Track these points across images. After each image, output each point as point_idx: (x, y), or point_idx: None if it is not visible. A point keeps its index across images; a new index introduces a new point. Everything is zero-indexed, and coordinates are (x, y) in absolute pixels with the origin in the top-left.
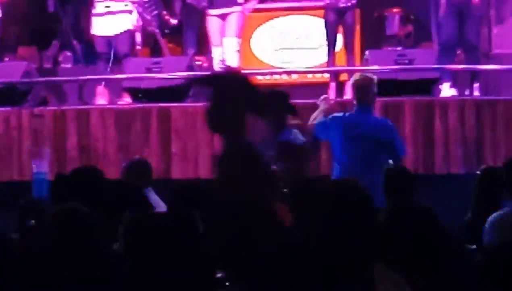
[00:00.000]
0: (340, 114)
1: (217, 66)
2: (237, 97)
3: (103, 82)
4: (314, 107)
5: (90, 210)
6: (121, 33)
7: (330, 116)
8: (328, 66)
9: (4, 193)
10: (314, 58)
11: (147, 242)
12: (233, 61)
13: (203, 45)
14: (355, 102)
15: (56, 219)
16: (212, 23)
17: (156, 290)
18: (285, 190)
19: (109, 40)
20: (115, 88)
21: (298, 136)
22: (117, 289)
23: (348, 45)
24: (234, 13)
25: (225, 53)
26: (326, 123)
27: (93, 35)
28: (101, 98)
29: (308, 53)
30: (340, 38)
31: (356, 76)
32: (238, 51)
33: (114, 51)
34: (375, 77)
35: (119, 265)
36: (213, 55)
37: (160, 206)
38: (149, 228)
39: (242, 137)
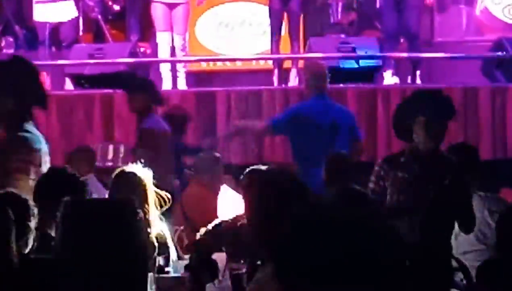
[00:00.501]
0: (299, 105)
1: (165, 51)
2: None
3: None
4: (258, 94)
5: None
6: (64, 21)
7: (288, 109)
8: (272, 53)
9: None
10: (258, 45)
11: (84, 227)
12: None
13: (146, 32)
14: (311, 89)
15: None
16: (157, 9)
17: (92, 276)
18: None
19: (51, 27)
20: (58, 75)
21: (162, 124)
22: (53, 275)
23: (293, 32)
24: (181, 6)
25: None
26: (286, 117)
27: (35, 21)
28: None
29: (252, 40)
30: (284, 26)
31: (311, 64)
32: (184, 48)
33: (57, 38)
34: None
35: (55, 251)
36: (158, 40)
37: (102, 193)
38: (86, 213)
39: None
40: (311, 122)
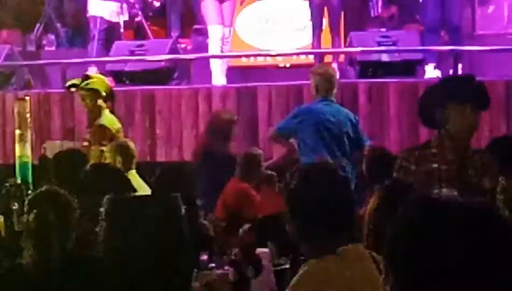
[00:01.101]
0: (307, 106)
1: (216, 45)
2: None
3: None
4: (298, 89)
5: (69, 193)
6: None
7: (296, 110)
8: (313, 48)
9: None
10: (299, 40)
11: (128, 223)
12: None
13: (186, 28)
14: (318, 92)
15: (32, 202)
16: (209, 4)
17: (137, 273)
18: (269, 172)
19: (105, 24)
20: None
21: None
22: (98, 271)
23: (333, 27)
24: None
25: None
26: (294, 119)
27: (90, 16)
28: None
29: (292, 35)
30: (325, 20)
31: (319, 67)
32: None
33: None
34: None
35: (99, 248)
36: (210, 34)
37: (144, 189)
38: (130, 210)
39: None
40: (319, 124)
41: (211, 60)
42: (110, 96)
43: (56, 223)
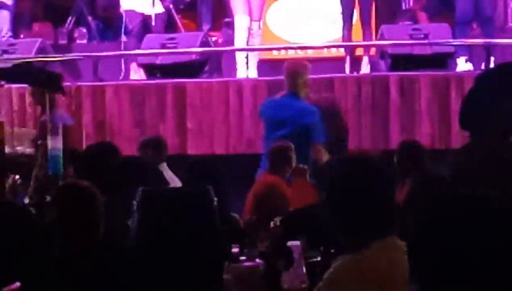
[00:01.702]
0: (268, 99)
1: (242, 36)
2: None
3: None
4: (330, 82)
5: (96, 186)
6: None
7: (266, 100)
8: (343, 41)
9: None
10: (330, 33)
11: (160, 216)
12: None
13: (217, 21)
14: (286, 87)
15: (54, 197)
16: None
17: (169, 264)
18: (302, 166)
19: (138, 16)
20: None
21: (64, 118)
22: (130, 263)
23: (365, 19)
24: None
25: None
26: (260, 110)
27: (125, 10)
28: (135, 74)
29: (323, 27)
30: (356, 13)
31: (289, 62)
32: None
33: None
34: (307, 64)
35: (131, 240)
36: (236, 24)
37: (175, 181)
38: (163, 202)
39: None
40: (268, 117)
41: (236, 52)
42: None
43: (79, 216)
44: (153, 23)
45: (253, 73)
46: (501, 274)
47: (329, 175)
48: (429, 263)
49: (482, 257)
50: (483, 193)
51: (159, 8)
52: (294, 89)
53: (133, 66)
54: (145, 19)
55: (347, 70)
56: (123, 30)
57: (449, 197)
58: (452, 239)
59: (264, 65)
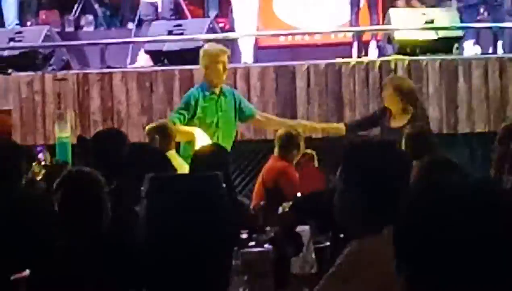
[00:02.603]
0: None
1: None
2: None
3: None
4: (338, 67)
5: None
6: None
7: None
8: (351, 25)
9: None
10: (337, 18)
11: (169, 202)
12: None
13: (224, 7)
14: None
15: (61, 182)
16: None
17: (178, 250)
18: (309, 151)
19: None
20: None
21: None
22: (137, 249)
23: (372, 4)
24: None
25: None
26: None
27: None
28: (143, 62)
29: (330, 13)
30: None
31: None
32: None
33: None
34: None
35: (140, 226)
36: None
37: (184, 168)
38: (171, 189)
39: None
40: None
41: (240, 39)
42: None
43: (83, 203)
44: (159, 10)
45: (248, 58)
46: (487, 264)
47: (344, 159)
48: (415, 252)
49: (467, 247)
50: (470, 181)
51: None
52: None
53: (141, 53)
54: (151, 6)
55: (355, 55)
56: (136, 19)
57: (434, 185)
58: (437, 228)
59: (271, 51)
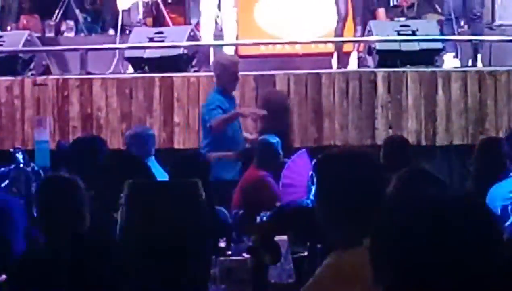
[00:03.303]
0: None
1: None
2: None
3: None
4: (317, 77)
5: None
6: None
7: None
8: (335, 36)
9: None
10: (319, 29)
11: (148, 208)
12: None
13: None
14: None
15: (40, 188)
16: None
17: (157, 257)
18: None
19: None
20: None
21: None
22: (116, 257)
23: (356, 15)
24: None
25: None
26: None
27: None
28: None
29: (313, 23)
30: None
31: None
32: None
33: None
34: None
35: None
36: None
37: (163, 175)
38: (150, 195)
39: None
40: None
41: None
42: None
43: (62, 208)
44: (140, 17)
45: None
46: (464, 275)
47: (316, 170)
48: (392, 265)
49: (444, 258)
50: (446, 194)
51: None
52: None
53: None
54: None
55: (334, 65)
56: (119, 27)
57: (408, 198)
58: (413, 241)
59: (252, 61)
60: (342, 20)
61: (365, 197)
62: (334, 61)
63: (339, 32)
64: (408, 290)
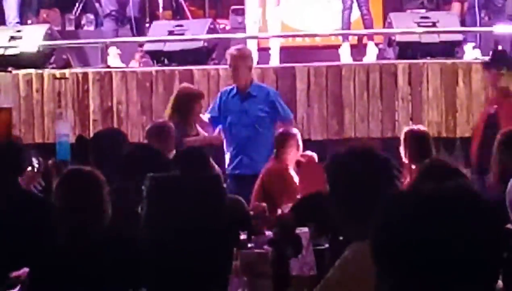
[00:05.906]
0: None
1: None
2: None
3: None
4: (338, 69)
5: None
6: None
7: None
8: (343, 27)
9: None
10: (338, 21)
11: (169, 202)
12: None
13: (225, 8)
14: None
15: (61, 182)
16: None
17: (178, 249)
18: (309, 152)
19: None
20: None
21: None
22: (138, 249)
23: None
24: None
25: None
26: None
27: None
28: (135, 63)
29: (331, 16)
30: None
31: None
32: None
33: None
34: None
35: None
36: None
37: None
38: (171, 189)
39: None
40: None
41: (248, 41)
42: None
43: (83, 202)
44: (160, 10)
45: (275, 59)
46: (467, 267)
47: (332, 167)
48: (394, 261)
49: (447, 252)
50: (447, 186)
51: None
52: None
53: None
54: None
55: (342, 57)
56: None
57: (408, 193)
58: (415, 235)
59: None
60: (347, 9)
61: (372, 192)
62: (342, 52)
63: (346, 21)
64: (413, 286)
